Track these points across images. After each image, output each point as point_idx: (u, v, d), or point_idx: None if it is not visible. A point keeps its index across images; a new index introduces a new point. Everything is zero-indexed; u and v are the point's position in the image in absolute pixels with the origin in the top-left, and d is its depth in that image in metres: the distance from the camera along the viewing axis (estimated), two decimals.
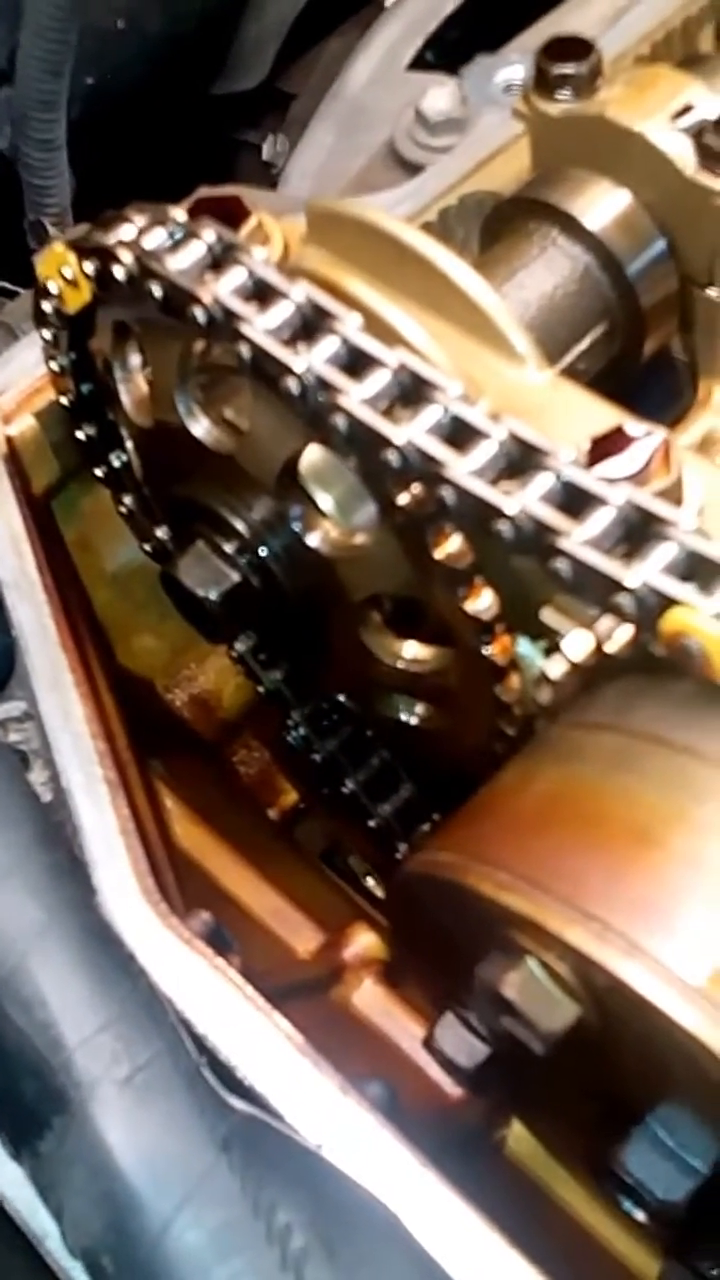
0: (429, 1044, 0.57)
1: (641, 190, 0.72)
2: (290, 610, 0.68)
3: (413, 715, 0.70)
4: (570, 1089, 0.52)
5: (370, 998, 0.73)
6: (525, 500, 0.50)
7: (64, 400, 0.76)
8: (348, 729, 0.78)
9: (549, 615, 0.56)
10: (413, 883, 0.52)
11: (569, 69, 0.74)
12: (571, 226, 0.71)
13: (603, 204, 0.72)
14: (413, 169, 0.94)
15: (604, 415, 0.59)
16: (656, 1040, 0.44)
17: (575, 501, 0.50)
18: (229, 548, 0.66)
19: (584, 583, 0.50)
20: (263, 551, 0.66)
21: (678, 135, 0.70)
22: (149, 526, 0.80)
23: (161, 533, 0.79)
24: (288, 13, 1.53)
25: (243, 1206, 0.45)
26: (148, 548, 0.81)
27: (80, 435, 0.77)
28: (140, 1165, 0.46)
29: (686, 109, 0.71)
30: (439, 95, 0.93)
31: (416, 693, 0.68)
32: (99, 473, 0.79)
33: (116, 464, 0.77)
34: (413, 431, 0.53)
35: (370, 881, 0.92)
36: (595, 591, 0.50)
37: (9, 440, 0.77)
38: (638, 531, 0.49)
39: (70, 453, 0.79)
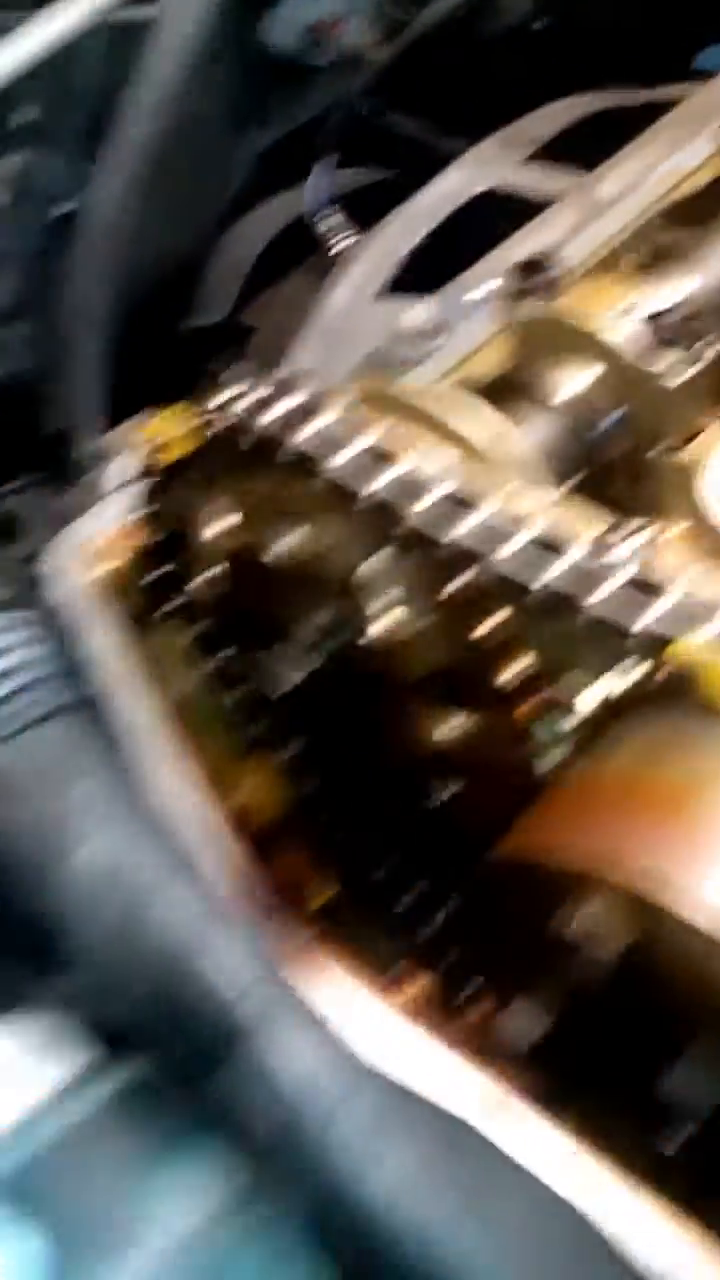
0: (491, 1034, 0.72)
1: (600, 374, 0.92)
2: (348, 700, 0.84)
3: (443, 790, 0.86)
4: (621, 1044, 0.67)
5: None
6: (548, 578, 0.69)
7: (146, 543, 0.93)
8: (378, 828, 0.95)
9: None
10: (487, 880, 0.68)
11: (536, 282, 0.96)
12: (542, 400, 0.91)
13: (567, 384, 0.92)
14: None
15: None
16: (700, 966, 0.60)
17: (588, 579, 0.69)
18: (295, 650, 0.84)
19: (599, 637, 0.68)
20: (327, 648, 0.83)
21: (623, 327, 0.92)
22: (209, 654, 0.97)
23: (219, 659, 0.96)
24: (248, 254, 1.77)
25: None
26: (207, 671, 0.98)
27: (155, 574, 0.94)
28: None
29: (630, 307, 0.93)
30: (418, 311, 1.14)
31: (452, 768, 0.85)
32: (169, 608, 0.96)
33: (180, 600, 0.95)
34: (460, 531, 0.71)
35: None
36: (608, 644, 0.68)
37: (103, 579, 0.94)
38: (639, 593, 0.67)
39: (141, 593, 0.96)
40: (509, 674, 0.75)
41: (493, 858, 0.68)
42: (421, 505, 0.73)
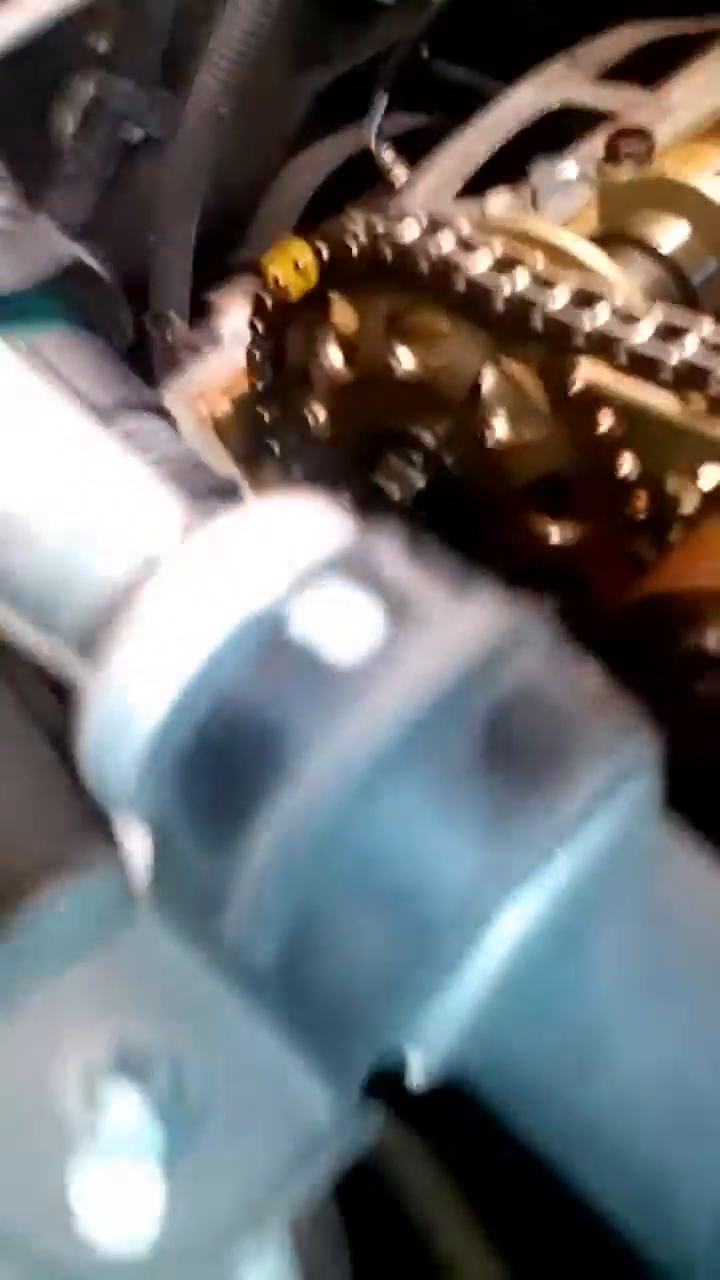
0: None
1: (696, 226, 0.97)
2: (459, 509, 0.89)
3: (550, 600, 0.91)
4: None
5: None
6: (685, 354, 0.74)
7: (258, 385, 0.98)
8: None
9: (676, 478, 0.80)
10: (627, 621, 0.73)
11: (633, 146, 1.01)
12: (649, 250, 0.97)
13: (670, 234, 0.97)
14: None
15: None
16: None
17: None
18: (416, 460, 0.89)
19: None
20: (445, 459, 0.88)
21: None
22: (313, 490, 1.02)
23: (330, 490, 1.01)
24: (304, 191, 1.83)
25: None
26: None
27: (265, 416, 0.99)
28: None
29: None
30: (501, 197, 1.19)
31: (556, 577, 0.90)
32: (275, 448, 1.01)
33: (291, 439, 1.00)
34: (597, 318, 0.77)
35: None
36: None
37: (214, 419, 0.99)
38: None
39: (256, 432, 1.02)
40: (624, 468, 0.81)
41: (629, 599, 0.73)
42: (555, 298, 0.78)
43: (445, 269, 0.81)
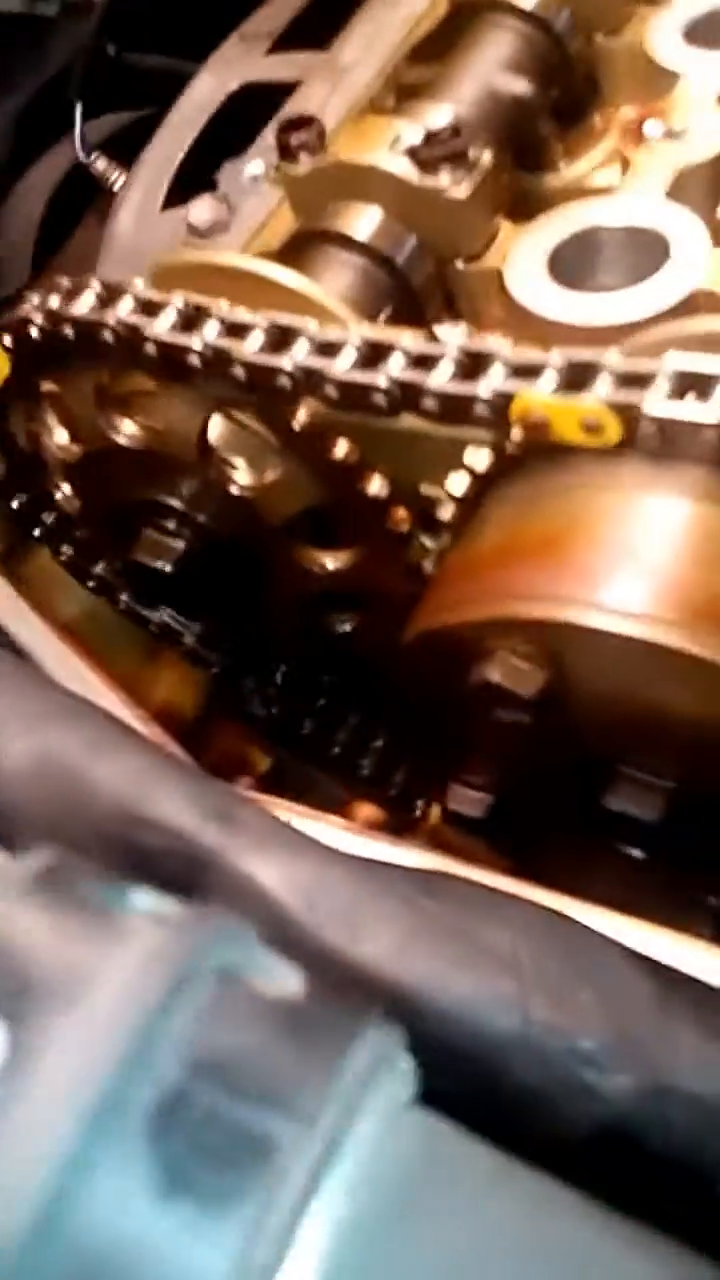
0: (446, 814, 0.76)
1: (386, 205, 0.94)
2: (230, 559, 0.87)
3: (346, 623, 0.89)
4: (556, 780, 0.71)
5: None
6: (390, 372, 0.72)
7: None
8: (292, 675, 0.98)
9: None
10: (410, 658, 0.70)
11: (302, 137, 0.98)
12: (347, 242, 0.94)
13: (361, 221, 0.94)
14: None
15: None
16: (612, 671, 0.63)
17: (426, 364, 0.72)
18: (171, 525, 0.86)
19: (449, 411, 0.71)
20: (198, 517, 0.85)
21: (397, 158, 0.94)
22: (87, 566, 0.98)
23: (99, 569, 0.98)
24: (30, 219, 1.77)
25: None
26: (91, 584, 0.99)
27: (14, 505, 0.96)
28: None
29: (396, 140, 0.95)
30: (202, 206, 1.15)
31: (345, 601, 0.88)
32: (36, 533, 0.97)
33: (49, 520, 0.96)
34: (295, 356, 0.74)
35: None
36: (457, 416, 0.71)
37: None
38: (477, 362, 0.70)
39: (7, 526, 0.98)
40: (372, 488, 0.78)
41: (405, 638, 0.71)
42: (249, 345, 0.75)
43: (131, 337, 0.78)
